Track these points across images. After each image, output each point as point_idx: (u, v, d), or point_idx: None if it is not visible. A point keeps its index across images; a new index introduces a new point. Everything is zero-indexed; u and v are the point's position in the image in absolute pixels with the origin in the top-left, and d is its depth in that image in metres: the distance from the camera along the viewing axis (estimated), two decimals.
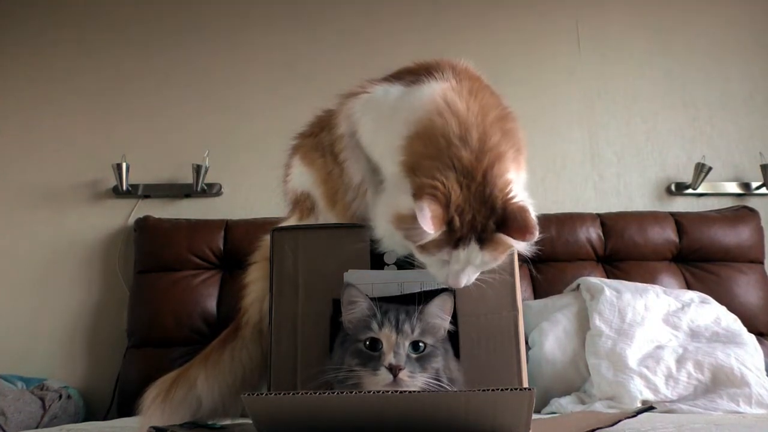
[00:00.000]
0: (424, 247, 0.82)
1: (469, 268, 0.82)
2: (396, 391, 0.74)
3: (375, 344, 0.80)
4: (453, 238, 0.79)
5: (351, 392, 0.77)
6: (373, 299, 0.85)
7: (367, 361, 0.79)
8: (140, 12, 2.43)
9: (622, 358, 1.56)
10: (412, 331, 0.80)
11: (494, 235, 0.80)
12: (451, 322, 0.86)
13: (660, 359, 1.56)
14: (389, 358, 0.77)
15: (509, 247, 0.83)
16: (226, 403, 0.99)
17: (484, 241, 0.80)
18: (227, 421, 1.00)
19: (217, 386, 0.98)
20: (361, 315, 0.83)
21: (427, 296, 0.85)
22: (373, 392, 0.76)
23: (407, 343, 0.80)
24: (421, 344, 0.81)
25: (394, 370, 0.76)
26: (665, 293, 1.78)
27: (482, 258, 0.81)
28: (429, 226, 0.75)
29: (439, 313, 0.84)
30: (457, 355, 0.86)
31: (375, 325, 0.81)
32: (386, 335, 0.80)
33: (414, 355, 0.80)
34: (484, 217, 0.80)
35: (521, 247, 0.85)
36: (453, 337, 0.87)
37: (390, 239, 0.87)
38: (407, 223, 0.80)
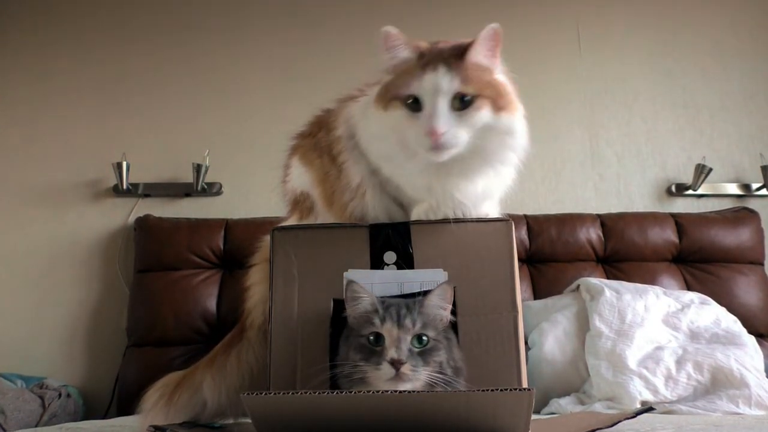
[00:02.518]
0: (392, 85, 0.86)
1: (441, 102, 0.82)
2: (396, 391, 0.74)
3: (377, 339, 0.80)
4: (421, 62, 0.84)
5: (350, 392, 0.77)
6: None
7: (369, 356, 0.79)
8: (140, 11, 2.43)
9: (621, 359, 1.56)
10: (414, 325, 0.80)
11: (460, 58, 0.85)
12: (452, 313, 0.86)
13: (660, 360, 1.56)
14: (391, 353, 0.78)
15: (481, 67, 0.86)
16: (233, 406, 0.99)
17: (451, 64, 0.84)
18: (228, 421, 1.00)
19: (224, 389, 0.98)
20: (364, 310, 0.83)
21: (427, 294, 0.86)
22: (373, 392, 0.76)
23: (409, 338, 0.80)
24: (424, 338, 0.81)
25: (396, 364, 0.76)
26: (665, 294, 1.78)
27: (450, 83, 0.83)
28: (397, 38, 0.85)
29: (440, 303, 0.84)
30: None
31: (377, 320, 0.81)
32: (388, 330, 0.80)
33: (417, 349, 0.80)
34: (452, 49, 0.86)
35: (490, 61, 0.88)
36: (455, 327, 0.87)
37: (373, 129, 0.90)
38: (383, 88, 0.88)
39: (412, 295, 0.87)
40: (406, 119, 0.85)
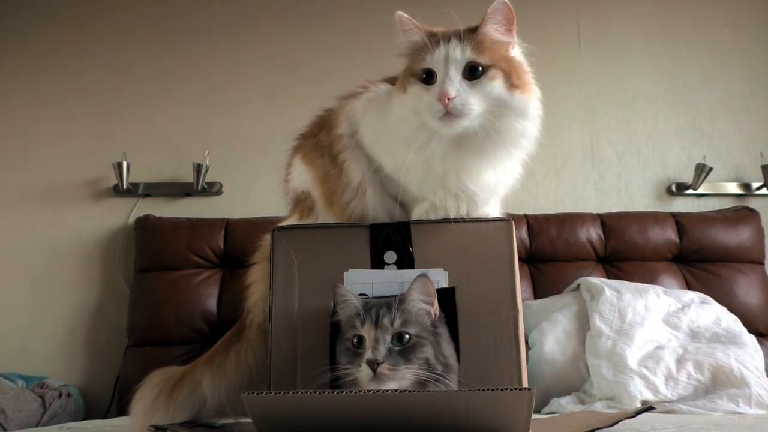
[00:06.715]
0: (409, 67, 0.88)
1: (453, 71, 0.83)
2: (396, 391, 0.74)
3: (360, 341, 0.81)
4: (434, 39, 0.86)
5: (351, 391, 0.77)
6: (362, 296, 0.85)
7: (353, 359, 0.80)
8: (141, 11, 2.43)
9: (622, 359, 1.56)
10: (392, 324, 0.80)
11: (473, 32, 0.86)
12: (447, 315, 0.86)
13: (660, 359, 1.56)
14: (367, 354, 0.78)
15: (494, 40, 0.87)
16: (233, 404, 0.99)
17: (463, 37, 0.85)
18: (228, 420, 1.00)
19: (223, 387, 0.98)
20: (350, 313, 0.84)
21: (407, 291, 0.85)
22: (373, 392, 0.76)
23: (388, 337, 0.80)
24: (405, 336, 0.80)
25: (372, 364, 0.77)
26: (665, 293, 1.78)
27: (462, 53, 0.84)
28: (407, 22, 0.87)
29: (420, 297, 0.83)
30: (455, 339, 0.85)
31: (358, 323, 0.82)
32: (367, 331, 0.81)
33: (397, 348, 0.79)
34: (465, 28, 0.87)
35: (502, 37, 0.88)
36: (451, 323, 0.86)
37: (394, 117, 0.89)
38: (405, 74, 0.89)
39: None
40: (421, 93, 0.86)
